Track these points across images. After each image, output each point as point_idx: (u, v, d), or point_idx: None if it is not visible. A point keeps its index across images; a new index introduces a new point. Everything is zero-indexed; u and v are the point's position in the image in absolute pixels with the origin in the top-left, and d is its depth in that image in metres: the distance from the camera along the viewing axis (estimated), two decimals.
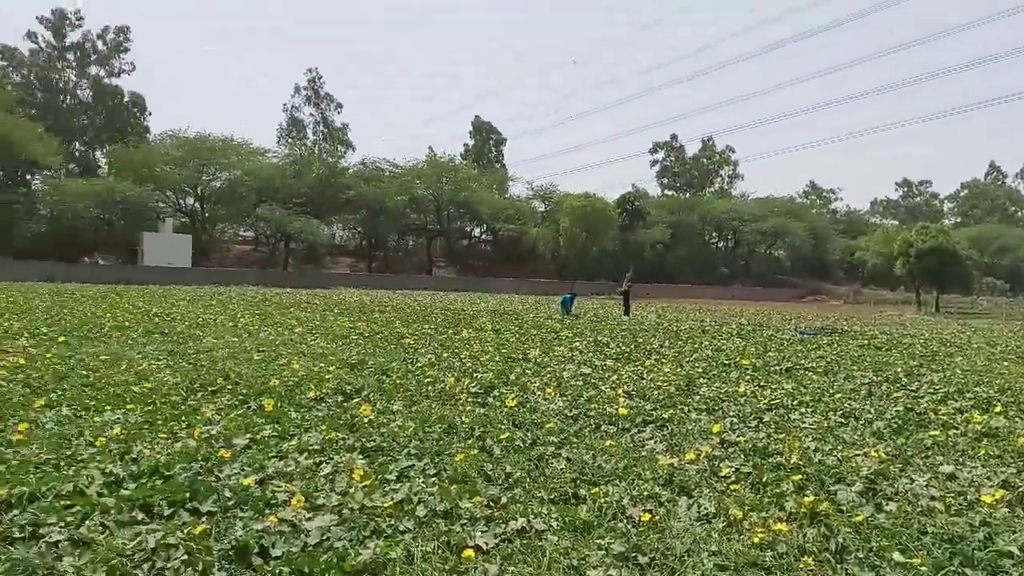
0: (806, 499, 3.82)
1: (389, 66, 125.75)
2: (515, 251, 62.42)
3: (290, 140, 61.40)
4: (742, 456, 4.86)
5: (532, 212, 63.88)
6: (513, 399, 6.62)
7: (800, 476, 4.32)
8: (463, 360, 9.85)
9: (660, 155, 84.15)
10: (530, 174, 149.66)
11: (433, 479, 4.13)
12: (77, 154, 50.39)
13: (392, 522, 3.40)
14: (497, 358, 10.17)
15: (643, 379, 8.55)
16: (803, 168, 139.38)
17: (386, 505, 3.58)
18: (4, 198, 42.31)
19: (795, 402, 7.18)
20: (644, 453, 5.00)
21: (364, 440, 4.90)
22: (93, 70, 51.74)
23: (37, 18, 50.35)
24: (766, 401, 7.15)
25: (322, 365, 8.88)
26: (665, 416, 6.18)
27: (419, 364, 9.24)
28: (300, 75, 65.43)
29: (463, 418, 5.84)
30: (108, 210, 43.49)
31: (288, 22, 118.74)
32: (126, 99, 52.97)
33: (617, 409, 6.27)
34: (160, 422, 5.43)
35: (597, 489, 3.97)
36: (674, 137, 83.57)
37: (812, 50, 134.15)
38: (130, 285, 34.89)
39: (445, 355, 10.37)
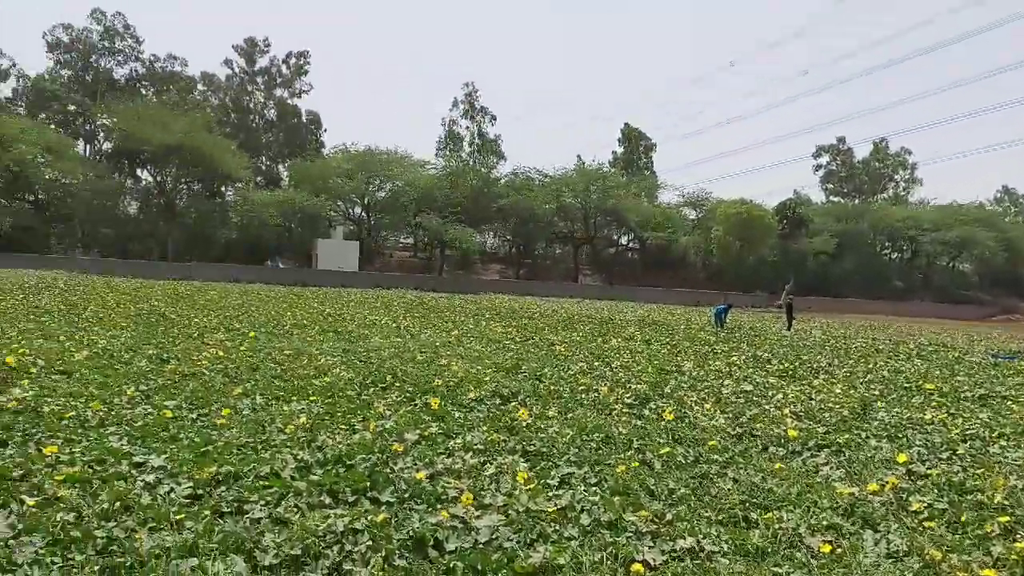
0: (1017, 544, 3.38)
1: (541, 75, 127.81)
2: (663, 259, 60.98)
3: (447, 152, 64.23)
4: (935, 490, 4.39)
5: (682, 219, 62.11)
6: (671, 413, 6.45)
7: (1007, 518, 3.83)
8: (614, 370, 9.76)
9: (825, 159, 78.57)
10: (681, 180, 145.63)
11: (594, 488, 4.12)
12: (263, 168, 56.10)
13: (557, 528, 3.43)
14: (649, 369, 9.97)
15: (811, 400, 8.00)
16: (994, 171, 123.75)
17: (550, 510, 3.62)
18: (203, 208, 47.92)
19: (993, 434, 6.38)
20: (819, 479, 4.66)
21: (524, 444, 4.99)
22: (278, 92, 57.51)
23: (233, 46, 56.97)
24: (958, 431, 6.42)
25: (479, 368, 9.17)
26: (840, 441, 5.74)
27: (571, 371, 9.28)
28: (459, 89, 68.15)
29: (620, 429, 5.77)
30: (288, 218, 47.86)
31: (448, 38, 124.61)
32: (304, 118, 58.22)
33: (785, 430, 5.91)
34: (339, 414, 5.87)
35: (770, 514, 3.76)
36: (841, 140, 77.70)
37: (1005, 39, 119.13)
38: (305, 287, 38.13)
39: (596, 364, 10.33)
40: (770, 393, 8.28)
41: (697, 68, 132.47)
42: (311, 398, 6.52)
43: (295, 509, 3.47)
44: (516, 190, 56.72)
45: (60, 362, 7.72)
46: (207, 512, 3.40)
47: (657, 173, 70.10)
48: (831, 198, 76.70)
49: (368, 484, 3.82)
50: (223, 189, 50.83)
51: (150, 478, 3.84)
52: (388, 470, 4.16)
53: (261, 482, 3.85)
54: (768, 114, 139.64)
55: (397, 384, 7.54)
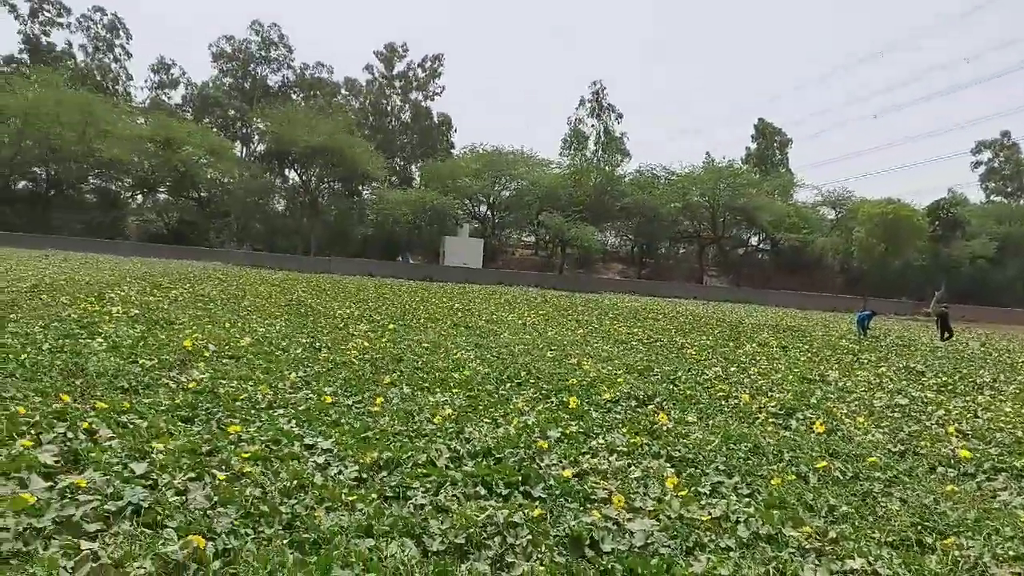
0: None
1: (670, 71, 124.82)
2: (796, 261, 57.76)
3: (572, 151, 64.29)
4: None
5: (819, 220, 58.55)
6: (821, 425, 6.11)
7: None
8: (752, 376, 9.38)
9: (986, 155, 71.14)
10: (819, 178, 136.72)
11: (747, 499, 3.98)
12: (398, 168, 58.82)
13: (713, 537, 3.35)
14: (790, 377, 9.50)
15: (978, 418, 7.31)
16: None
17: (704, 518, 3.54)
18: (343, 206, 50.91)
19: None
20: (998, 505, 4.26)
21: (668, 449, 4.92)
22: (413, 95, 60.07)
23: (374, 52, 60.15)
24: None
25: (609, 368, 9.13)
26: (1018, 465, 5.20)
27: (706, 376, 9.02)
28: (586, 88, 68.02)
29: (766, 439, 5.55)
30: (419, 216, 49.87)
31: (572, 37, 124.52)
32: (436, 119, 60.42)
33: (954, 450, 5.43)
34: (481, 408, 6.05)
35: (948, 540, 3.48)
36: (1006, 134, 70.02)
37: None
38: (433, 282, 39.58)
39: (732, 369, 9.98)
40: (929, 409, 7.65)
41: (840, 58, 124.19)
42: (452, 390, 6.77)
43: (454, 498, 3.61)
44: (640, 188, 55.84)
45: (228, 347, 8.49)
46: (374, 495, 3.62)
47: (793, 171, 66.47)
48: (992, 198, 69.42)
49: (519, 478, 3.92)
50: (360, 188, 53.78)
51: (320, 459, 4.14)
52: (535, 466, 4.24)
53: (419, 469, 4.04)
54: (919, 107, 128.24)
55: (531, 381, 7.65)
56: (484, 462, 4.32)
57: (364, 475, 3.97)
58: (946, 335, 20.57)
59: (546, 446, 4.67)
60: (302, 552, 2.87)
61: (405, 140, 60.58)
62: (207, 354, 7.89)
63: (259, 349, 8.60)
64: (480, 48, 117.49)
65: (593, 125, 65.28)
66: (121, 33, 57.12)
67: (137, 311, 11.75)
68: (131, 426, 4.65)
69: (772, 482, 4.23)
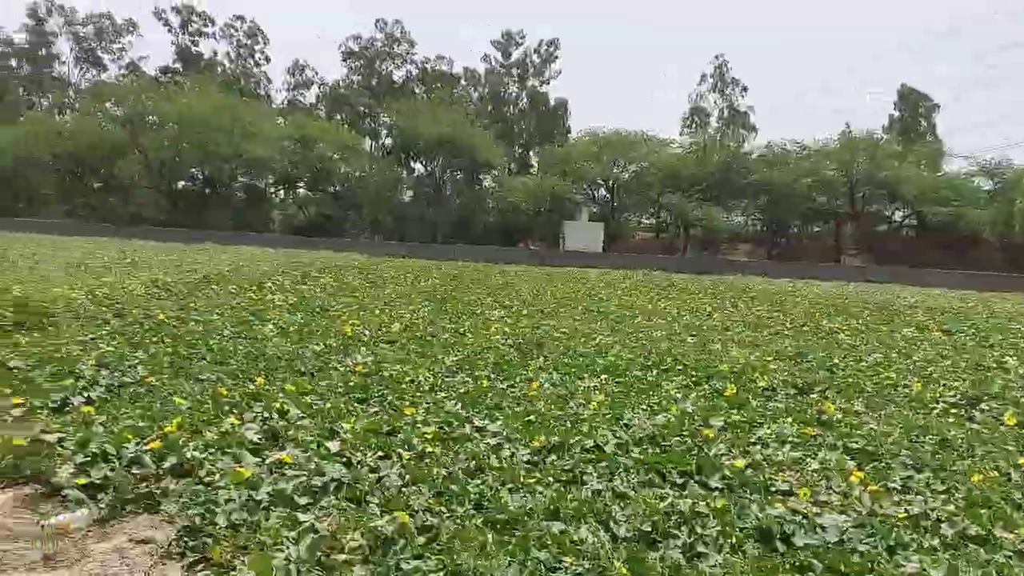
0: None
1: (801, 40, 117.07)
2: (947, 238, 52.67)
3: (692, 129, 62.14)
4: None
5: (973, 191, 53.09)
6: (1012, 417, 5.58)
7: None
8: (917, 363, 8.71)
9: None
10: (972, 146, 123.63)
11: (943, 496, 3.72)
12: (516, 155, 59.42)
13: (914, 536, 3.16)
14: (962, 364, 8.73)
15: None
16: None
17: (900, 516, 3.34)
18: (465, 195, 52.17)
19: None
20: None
21: (845, 440, 4.67)
22: (530, 82, 60.33)
23: (491, 41, 60.95)
24: None
25: (757, 355, 8.78)
26: None
27: (866, 363, 8.47)
28: (707, 64, 65.33)
29: (950, 431, 5.14)
30: (538, 203, 50.15)
31: (697, 13, 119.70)
32: (553, 104, 60.37)
33: None
34: (633, 394, 6.02)
35: None
36: None
37: None
38: (554, 267, 39.75)
39: (893, 355, 9.30)
40: None
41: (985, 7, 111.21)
42: (600, 376, 6.78)
43: (629, 484, 3.63)
44: (770, 164, 53.03)
45: (382, 333, 8.97)
46: (550, 478, 3.70)
47: (941, 138, 60.67)
48: None
49: (693, 467, 3.87)
50: (481, 177, 54.85)
51: (492, 441, 4.29)
52: (704, 455, 4.17)
53: (588, 454, 4.09)
54: None
55: (678, 367, 7.52)
56: (650, 449, 4.30)
57: (535, 458, 4.07)
58: None
59: (712, 435, 4.58)
60: (496, 532, 2.99)
61: (523, 127, 60.98)
62: (365, 339, 8.38)
63: (411, 334, 9.02)
64: (595, 28, 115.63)
65: (716, 101, 62.72)
66: (260, 39, 61.39)
67: (295, 299, 12.68)
68: (315, 407, 5.03)
69: (973, 479, 3.92)
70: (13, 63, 58.68)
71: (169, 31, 59.11)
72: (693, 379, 6.86)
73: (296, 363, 6.61)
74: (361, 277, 19.93)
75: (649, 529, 3.07)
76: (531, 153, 62.05)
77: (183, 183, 49.46)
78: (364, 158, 50.23)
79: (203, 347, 7.01)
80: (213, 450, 3.88)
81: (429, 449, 4.02)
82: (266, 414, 4.66)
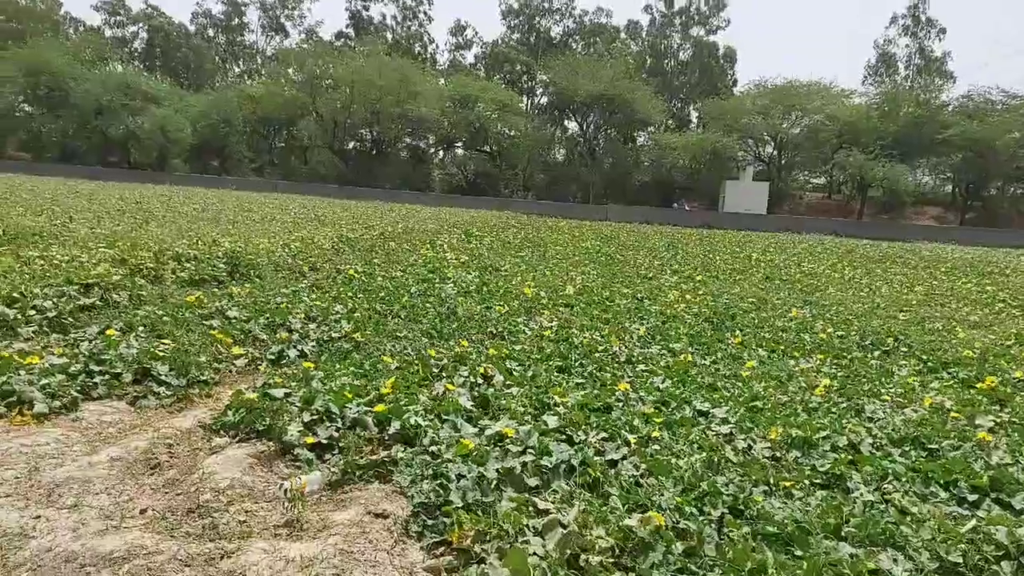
0: None
1: None
2: None
3: (879, 77, 55.96)
4: None
5: None
6: None
7: None
8: None
9: None
10: None
11: None
12: (674, 111, 56.81)
13: None
14: None
15: None
16: None
17: None
18: (619, 153, 50.83)
19: None
20: None
21: None
22: (694, 31, 57.09)
23: None
24: None
25: (991, 337, 7.56)
26: None
27: None
28: (899, 3, 58.33)
29: None
30: (697, 160, 47.77)
31: None
32: (720, 54, 56.81)
33: None
34: (864, 380, 5.29)
35: None
36: None
37: None
38: (712, 229, 37.78)
39: None
40: None
41: None
42: (815, 355, 6.07)
43: (908, 498, 3.06)
44: (969, 117, 46.57)
45: (558, 296, 8.72)
46: (806, 481, 3.22)
47: None
48: None
49: (985, 481, 3.20)
50: (636, 135, 53.11)
51: (721, 430, 3.85)
52: (994, 465, 3.46)
53: (841, 454, 3.54)
54: None
55: (903, 349, 6.60)
56: (914, 452, 3.67)
57: (777, 454, 3.59)
58: None
59: (989, 438, 3.83)
60: (772, 549, 2.57)
61: (684, 79, 58.02)
62: (545, 302, 8.18)
63: (588, 298, 8.70)
64: None
65: (907, 45, 55.88)
66: (424, 1, 62.86)
67: (466, 257, 12.82)
68: (515, 373, 4.85)
69: None
70: (211, 32, 64.60)
71: None
72: (928, 365, 5.96)
73: (487, 325, 6.50)
74: (520, 236, 19.94)
75: (958, 560, 2.51)
76: (691, 108, 59.01)
77: (354, 143, 52.33)
78: (521, 117, 50.27)
79: (396, 304, 7.11)
80: (431, 416, 3.78)
81: (655, 433, 3.66)
82: (472, 379, 4.53)
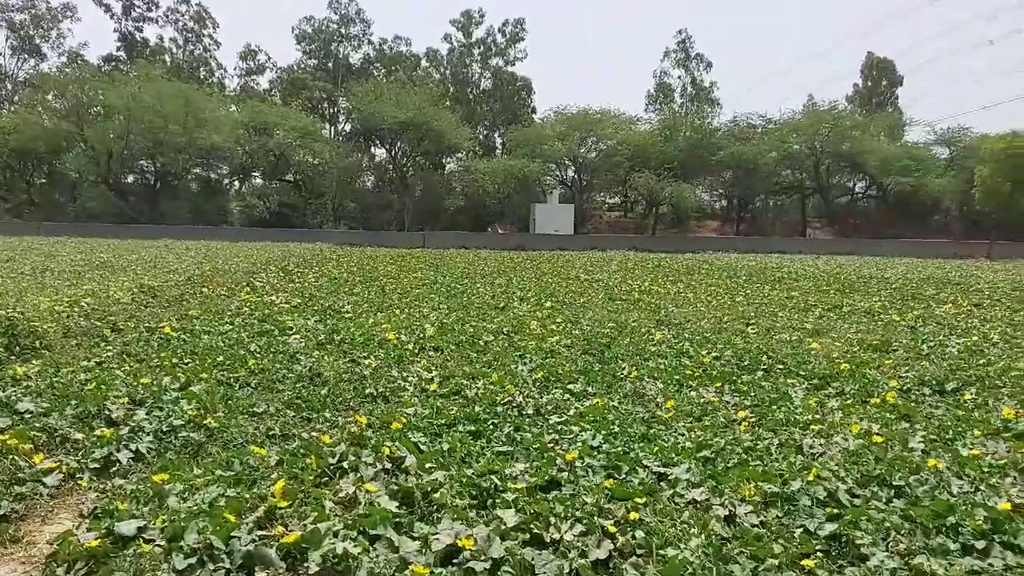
0: None
1: (759, 12, 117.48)
2: (908, 207, 53.70)
3: (658, 105, 61.70)
4: None
5: (933, 160, 54.21)
6: None
7: None
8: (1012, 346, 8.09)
9: None
10: (931, 114, 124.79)
11: None
12: (480, 137, 57.91)
13: None
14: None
15: None
16: None
17: None
18: (431, 179, 50.71)
19: None
20: None
21: None
22: (494, 61, 58.70)
23: (450, 21, 59.00)
24: None
25: (838, 344, 8.04)
26: None
27: (960, 350, 7.78)
28: (670, 39, 64.93)
29: None
30: (507, 185, 49.02)
31: None
32: (518, 84, 58.93)
33: None
34: (772, 407, 5.17)
35: None
36: None
37: None
38: (526, 251, 38.77)
39: (994, 337, 8.63)
40: None
41: None
42: (711, 385, 5.92)
43: (930, 560, 2.76)
44: (736, 139, 52.97)
45: (418, 337, 7.91)
46: (818, 554, 2.82)
47: (903, 109, 61.71)
48: None
49: (986, 526, 3.01)
50: (446, 161, 53.40)
51: (694, 496, 3.37)
52: (975, 503, 3.32)
53: (829, 509, 3.22)
54: None
55: (779, 367, 6.72)
56: (886, 494, 3.46)
57: (762, 517, 3.18)
58: None
59: (939, 464, 3.75)
60: None
61: (486, 108, 59.50)
62: (411, 347, 7.35)
63: (453, 338, 8.00)
64: (561, 7, 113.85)
65: (680, 76, 62.38)
66: (208, 23, 58.26)
67: (298, 300, 11.50)
68: (426, 448, 4.04)
69: None
70: None
71: (111, 17, 55.56)
72: (813, 382, 6.06)
73: (365, 385, 5.57)
74: (346, 271, 18.69)
75: None
76: (496, 135, 60.72)
77: (133, 176, 46.71)
78: (325, 144, 48.18)
79: (241, 370, 5.90)
80: (353, 533, 2.88)
81: (632, 516, 3.07)
82: (386, 466, 3.65)
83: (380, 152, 53.14)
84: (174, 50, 57.84)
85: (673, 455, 3.87)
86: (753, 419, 4.82)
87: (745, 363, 6.84)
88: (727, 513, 3.18)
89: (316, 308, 10.66)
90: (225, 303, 10.71)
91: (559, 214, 49.37)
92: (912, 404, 5.20)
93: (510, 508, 3.10)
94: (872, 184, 57.37)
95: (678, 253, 39.93)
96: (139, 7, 55.64)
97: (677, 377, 6.11)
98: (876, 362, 6.90)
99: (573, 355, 7.26)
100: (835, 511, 3.17)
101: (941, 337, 8.49)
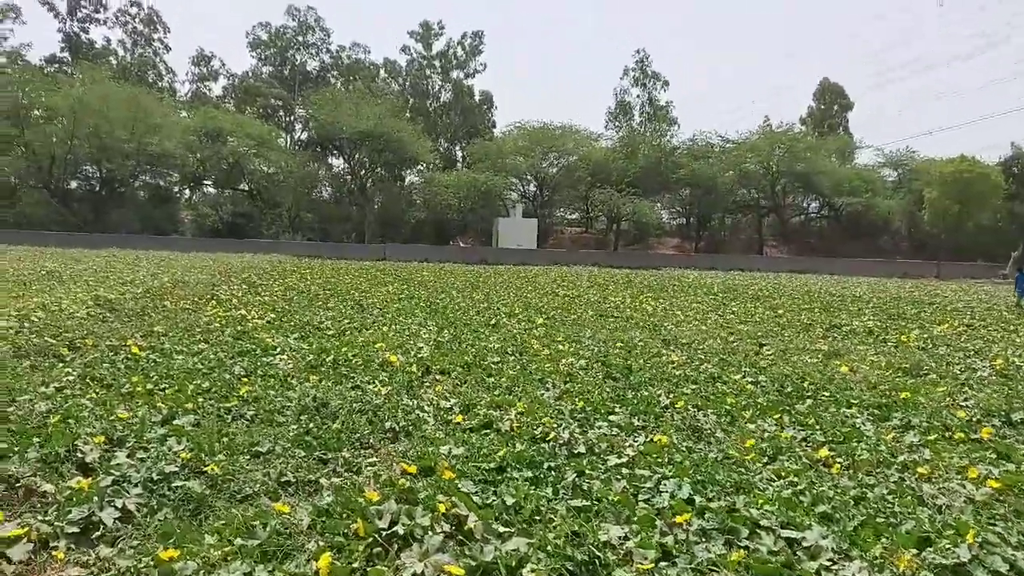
0: None
1: (716, 34, 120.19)
2: (859, 227, 55.28)
3: (618, 123, 62.14)
4: None
5: (882, 182, 56.04)
6: None
7: None
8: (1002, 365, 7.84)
9: None
10: (880, 139, 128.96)
11: None
12: (441, 150, 57.23)
13: None
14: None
15: None
16: None
17: None
18: (391, 191, 49.67)
19: None
20: None
21: None
22: (454, 74, 58.20)
23: (408, 32, 58.36)
24: None
25: (867, 367, 7.64)
26: None
27: (990, 374, 7.48)
28: (629, 58, 65.64)
29: None
30: (469, 199, 48.39)
31: (616, 8, 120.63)
32: (478, 98, 58.56)
33: None
34: (858, 447, 4.62)
35: None
36: None
37: None
38: (489, 265, 38.13)
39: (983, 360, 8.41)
40: None
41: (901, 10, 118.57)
42: (761, 418, 5.35)
43: None
44: (695, 158, 53.61)
45: (416, 356, 7.18)
46: None
47: (853, 132, 63.65)
48: None
49: None
50: (407, 173, 52.46)
51: (842, 571, 2.75)
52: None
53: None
54: (991, 55, 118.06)
55: (824, 395, 6.20)
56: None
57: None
58: None
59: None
60: None
61: (447, 121, 58.88)
62: (413, 369, 6.60)
63: (456, 359, 7.27)
64: (521, 23, 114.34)
65: (639, 95, 63.01)
66: (159, 27, 56.16)
67: (272, 315, 10.57)
68: (481, 501, 3.33)
69: None
70: None
71: (56, 17, 52.98)
72: (872, 412, 5.56)
73: (380, 418, 4.81)
74: (314, 283, 17.69)
75: None
76: (456, 148, 60.09)
77: (77, 183, 44.34)
78: (281, 153, 46.71)
79: (233, 399, 5.07)
80: None
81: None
82: (446, 529, 2.93)
83: (338, 162, 51.95)
84: (121, 52, 55.53)
85: (789, 511, 3.25)
86: (838, 458, 4.25)
87: (788, 390, 6.31)
88: None
89: (293, 324, 9.79)
90: (192, 318, 9.72)
91: (522, 229, 48.93)
92: (999, 439, 4.72)
93: None
94: (825, 204, 58.92)
95: (641, 269, 39.93)
96: (86, 7, 53.27)
97: (727, 407, 5.52)
98: (918, 388, 6.47)
99: (595, 379, 6.63)
100: None
101: (968, 361, 8.15)
